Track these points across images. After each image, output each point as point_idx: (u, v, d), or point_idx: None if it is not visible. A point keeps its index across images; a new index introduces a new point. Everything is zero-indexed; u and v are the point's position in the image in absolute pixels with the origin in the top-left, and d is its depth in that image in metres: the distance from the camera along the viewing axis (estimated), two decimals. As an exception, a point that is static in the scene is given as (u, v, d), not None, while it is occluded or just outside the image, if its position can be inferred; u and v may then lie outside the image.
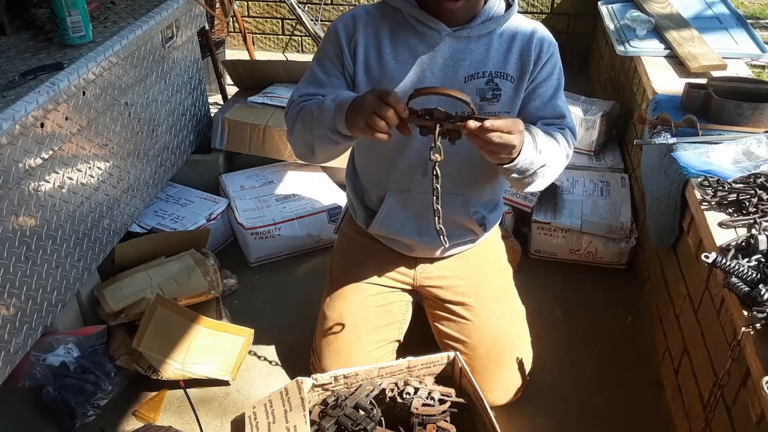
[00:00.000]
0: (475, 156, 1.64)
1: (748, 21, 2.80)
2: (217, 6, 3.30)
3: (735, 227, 1.55)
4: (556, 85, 1.61)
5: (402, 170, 1.67)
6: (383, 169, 1.69)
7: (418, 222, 1.73)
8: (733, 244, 1.46)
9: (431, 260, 1.83)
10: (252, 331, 2.06)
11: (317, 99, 1.53)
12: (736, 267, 1.35)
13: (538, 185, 1.54)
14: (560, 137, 1.55)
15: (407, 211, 1.72)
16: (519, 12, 1.60)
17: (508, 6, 1.57)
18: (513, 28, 1.56)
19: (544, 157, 1.45)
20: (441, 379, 1.76)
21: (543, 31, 1.58)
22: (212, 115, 2.82)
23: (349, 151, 1.80)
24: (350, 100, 1.39)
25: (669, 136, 1.91)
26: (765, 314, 1.27)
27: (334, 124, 1.41)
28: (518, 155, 1.38)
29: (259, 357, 2.09)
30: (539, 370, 1.97)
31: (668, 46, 2.58)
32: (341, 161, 1.90)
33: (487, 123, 1.27)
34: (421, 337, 1.97)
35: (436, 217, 1.36)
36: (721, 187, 1.64)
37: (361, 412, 1.61)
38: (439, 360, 1.75)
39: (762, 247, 1.41)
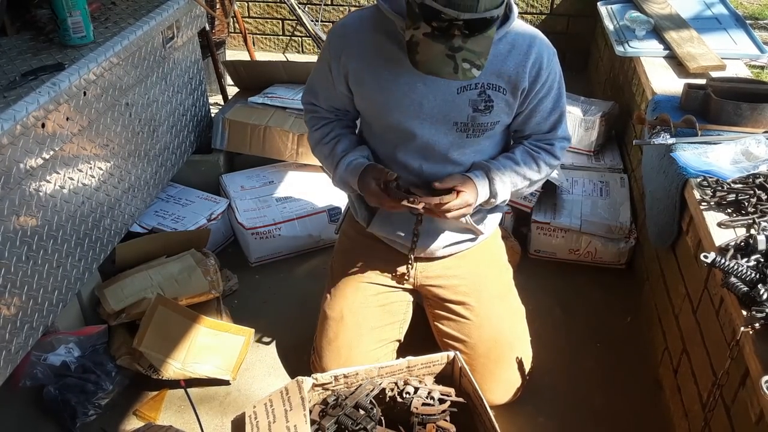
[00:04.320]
0: (476, 159, 1.66)
1: (747, 21, 2.81)
2: (217, 7, 3.30)
3: (734, 227, 1.56)
4: (556, 96, 1.63)
5: (399, 170, 1.67)
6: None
7: (417, 220, 1.73)
8: (732, 244, 1.47)
9: (431, 259, 1.83)
10: (252, 330, 2.06)
11: (331, 142, 1.73)
12: (735, 267, 1.35)
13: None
14: (536, 166, 1.68)
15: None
16: (518, 13, 1.59)
17: (506, 17, 1.54)
18: (510, 40, 1.54)
19: (504, 195, 1.65)
20: (441, 378, 1.76)
21: (541, 44, 1.56)
22: (213, 115, 2.83)
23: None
24: (359, 171, 1.63)
25: (668, 137, 1.91)
26: (764, 314, 1.27)
27: (349, 185, 1.69)
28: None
29: (259, 356, 2.10)
30: (539, 369, 1.97)
31: (667, 46, 2.58)
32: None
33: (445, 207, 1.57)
34: (421, 336, 1.97)
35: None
36: (720, 188, 1.65)
37: (361, 412, 1.62)
38: (438, 360, 1.75)
39: (761, 247, 1.42)
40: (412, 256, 1.80)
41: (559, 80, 1.62)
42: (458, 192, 1.57)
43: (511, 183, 1.66)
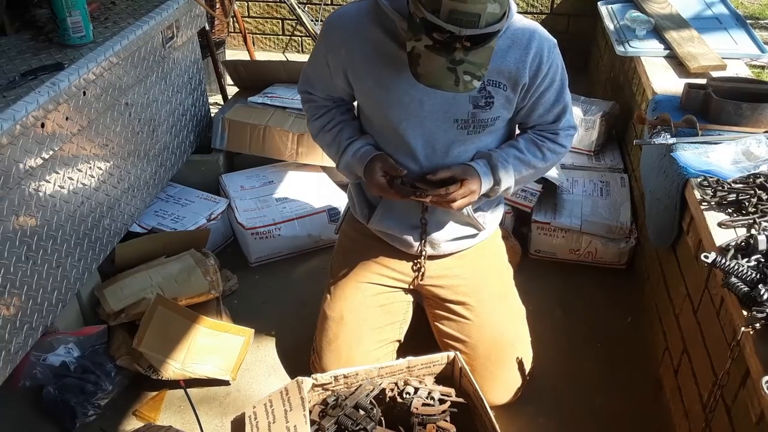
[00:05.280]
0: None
1: (748, 21, 2.81)
2: (217, 6, 3.30)
3: (734, 227, 1.55)
4: (559, 87, 1.62)
5: (400, 164, 1.67)
6: None
7: (417, 216, 1.73)
8: (733, 244, 1.47)
9: (432, 259, 1.83)
10: (252, 330, 2.06)
11: (334, 129, 1.73)
12: (736, 267, 1.35)
13: (508, 194, 1.73)
14: (541, 153, 1.68)
15: (407, 203, 1.72)
16: (518, 12, 1.58)
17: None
18: (509, 35, 1.53)
19: (507, 182, 1.65)
20: (441, 378, 1.76)
21: (540, 37, 1.55)
22: (212, 115, 2.83)
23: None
24: (366, 160, 1.64)
25: (668, 137, 1.91)
26: (764, 314, 1.27)
27: (355, 174, 1.70)
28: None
29: (259, 357, 2.10)
30: (539, 369, 1.97)
31: (668, 46, 2.58)
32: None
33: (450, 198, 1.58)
34: (421, 336, 1.97)
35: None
36: (720, 187, 1.65)
37: (361, 412, 1.61)
38: (439, 360, 1.75)
39: (761, 247, 1.41)
40: (424, 247, 1.79)
41: (561, 72, 1.61)
42: (462, 181, 1.57)
43: (515, 170, 1.64)
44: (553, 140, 1.68)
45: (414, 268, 1.84)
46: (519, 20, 1.56)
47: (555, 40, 1.59)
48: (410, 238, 1.77)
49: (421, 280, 1.85)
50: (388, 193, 1.62)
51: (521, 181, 1.71)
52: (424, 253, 1.80)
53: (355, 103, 1.80)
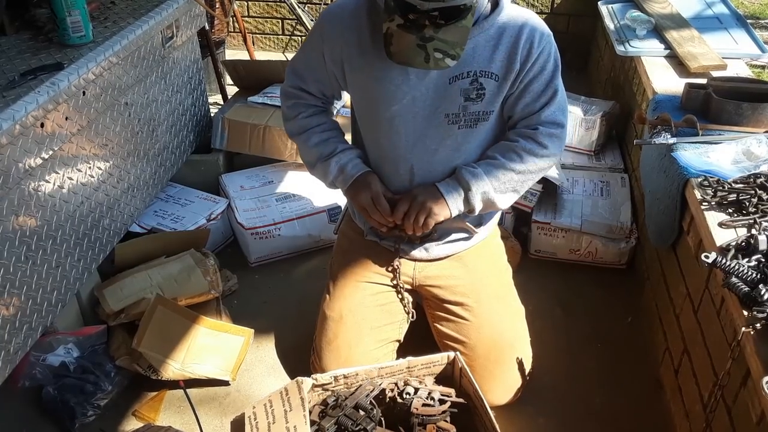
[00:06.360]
0: (472, 160, 1.65)
1: (748, 21, 2.81)
2: (217, 6, 3.30)
3: (735, 227, 1.55)
4: (549, 78, 1.57)
5: (388, 175, 1.68)
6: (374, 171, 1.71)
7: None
8: (733, 244, 1.46)
9: (430, 260, 1.83)
10: (252, 331, 2.06)
11: (332, 131, 1.73)
12: (736, 267, 1.35)
13: (504, 202, 1.66)
14: (515, 155, 1.60)
15: None
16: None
17: (496, 4, 1.53)
18: (501, 25, 1.51)
19: (480, 185, 1.60)
20: (441, 379, 1.76)
21: (533, 24, 1.52)
22: (212, 115, 2.82)
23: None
24: (353, 178, 1.66)
25: (669, 136, 1.91)
26: (765, 314, 1.27)
27: (335, 184, 1.72)
28: (449, 210, 1.62)
29: (259, 357, 2.09)
30: (539, 370, 1.97)
31: (668, 46, 2.58)
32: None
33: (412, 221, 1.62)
34: (421, 336, 1.97)
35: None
36: (721, 187, 1.64)
37: (361, 412, 1.61)
38: (439, 360, 1.75)
39: (762, 247, 1.41)
40: (398, 261, 1.81)
41: (553, 63, 1.57)
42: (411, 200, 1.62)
43: (487, 173, 1.59)
44: (531, 137, 1.60)
45: (409, 268, 1.84)
46: (513, 10, 1.54)
47: (550, 31, 1.56)
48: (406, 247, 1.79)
49: (414, 283, 1.86)
50: (379, 215, 1.65)
51: (508, 188, 1.62)
52: (399, 261, 1.83)
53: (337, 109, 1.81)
